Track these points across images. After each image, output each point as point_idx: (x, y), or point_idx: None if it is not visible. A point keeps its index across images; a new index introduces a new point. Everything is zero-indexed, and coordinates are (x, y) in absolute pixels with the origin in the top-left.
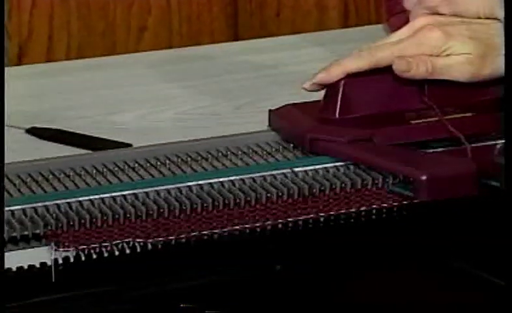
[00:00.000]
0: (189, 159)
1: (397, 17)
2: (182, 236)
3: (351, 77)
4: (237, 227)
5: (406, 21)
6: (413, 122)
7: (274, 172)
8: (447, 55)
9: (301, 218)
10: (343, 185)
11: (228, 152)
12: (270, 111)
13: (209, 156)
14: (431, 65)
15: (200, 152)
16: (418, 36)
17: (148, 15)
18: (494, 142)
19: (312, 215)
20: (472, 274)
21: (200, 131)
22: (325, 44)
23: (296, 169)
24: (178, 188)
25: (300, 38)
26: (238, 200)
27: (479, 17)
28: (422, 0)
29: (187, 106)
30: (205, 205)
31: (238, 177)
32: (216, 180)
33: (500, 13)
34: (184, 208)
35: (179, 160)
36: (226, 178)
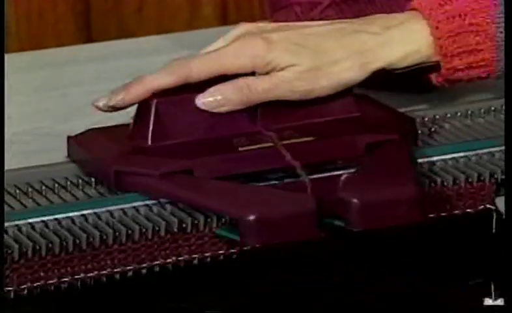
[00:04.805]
0: None
1: (282, 12)
2: None
3: (166, 95)
4: (23, 286)
5: (294, 17)
6: (242, 149)
7: (72, 214)
8: (271, 69)
9: (105, 272)
10: (157, 229)
11: (18, 191)
12: (69, 137)
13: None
14: (249, 91)
15: None
16: (235, 45)
17: None
18: (339, 172)
19: (118, 269)
20: None
21: (41, 156)
22: (198, 47)
23: (99, 210)
24: None
25: (167, 39)
26: (25, 250)
27: None
28: None
29: (23, 126)
30: None
31: (25, 221)
32: None
33: None
34: None
35: None
36: (11, 223)
